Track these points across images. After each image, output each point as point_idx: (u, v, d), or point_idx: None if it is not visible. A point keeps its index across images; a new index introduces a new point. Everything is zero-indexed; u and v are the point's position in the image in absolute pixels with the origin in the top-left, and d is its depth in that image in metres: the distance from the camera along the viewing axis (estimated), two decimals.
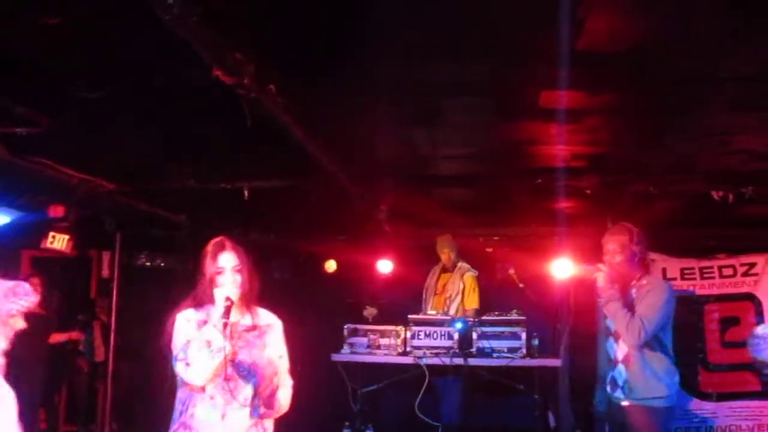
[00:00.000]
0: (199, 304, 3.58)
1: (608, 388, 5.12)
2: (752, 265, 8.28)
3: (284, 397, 3.61)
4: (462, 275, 8.43)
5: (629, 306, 4.87)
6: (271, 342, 3.65)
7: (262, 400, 3.46)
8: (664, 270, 8.63)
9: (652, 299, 4.85)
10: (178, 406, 3.51)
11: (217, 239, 3.62)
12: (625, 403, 4.91)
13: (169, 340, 3.53)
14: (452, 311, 8.21)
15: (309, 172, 6.04)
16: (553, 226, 8.26)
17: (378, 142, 5.96)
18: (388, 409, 8.16)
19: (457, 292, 8.37)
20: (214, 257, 3.55)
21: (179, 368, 3.40)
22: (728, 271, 8.42)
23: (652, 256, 8.61)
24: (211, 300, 3.50)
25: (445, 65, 4.18)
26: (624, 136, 5.58)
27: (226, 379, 3.40)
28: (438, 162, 6.48)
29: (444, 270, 8.59)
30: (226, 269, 3.51)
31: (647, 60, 3.99)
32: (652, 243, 8.67)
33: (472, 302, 8.37)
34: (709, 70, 4.14)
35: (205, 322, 3.45)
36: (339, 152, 5.70)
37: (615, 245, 5.08)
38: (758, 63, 3.97)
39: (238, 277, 3.52)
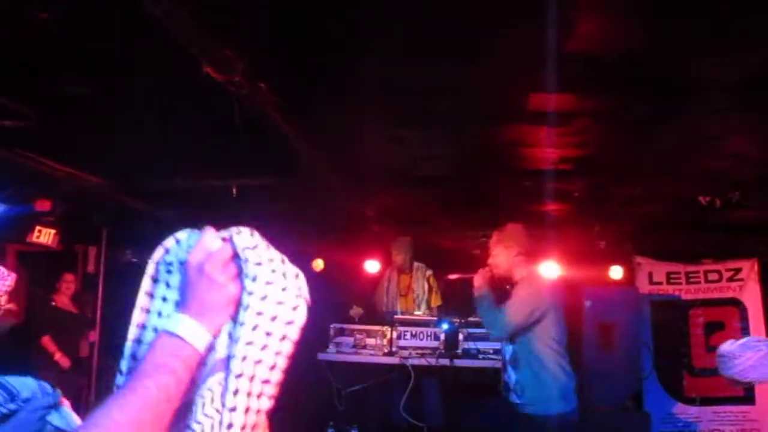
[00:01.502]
0: None
1: (504, 393, 5.09)
2: (738, 270, 8.35)
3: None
4: (424, 275, 8.49)
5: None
6: None
7: None
8: (650, 274, 8.70)
9: (518, 291, 4.91)
10: None
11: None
12: (520, 405, 4.86)
13: None
14: (421, 311, 8.24)
15: (297, 170, 6.04)
16: (541, 229, 8.28)
17: (367, 142, 5.95)
18: (373, 409, 8.14)
19: (423, 292, 8.44)
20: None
21: None
22: (714, 276, 8.50)
23: (638, 260, 8.69)
24: None
25: (434, 66, 4.18)
26: (612, 140, 5.59)
27: None
28: (426, 163, 6.48)
29: (400, 271, 8.64)
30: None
31: (636, 63, 4.00)
32: (639, 247, 8.77)
33: (437, 300, 8.51)
34: (698, 74, 4.16)
35: None
36: (328, 151, 5.70)
37: (495, 244, 5.20)
38: (746, 67, 3.99)
39: None
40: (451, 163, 6.47)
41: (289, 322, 1.42)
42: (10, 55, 4.02)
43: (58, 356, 7.63)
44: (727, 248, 8.47)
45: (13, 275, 6.02)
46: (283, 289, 1.40)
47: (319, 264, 9.75)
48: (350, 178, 6.58)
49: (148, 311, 1.44)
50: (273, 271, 1.40)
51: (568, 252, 8.56)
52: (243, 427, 1.34)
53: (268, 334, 1.37)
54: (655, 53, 3.89)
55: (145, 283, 1.46)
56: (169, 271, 1.44)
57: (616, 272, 8.83)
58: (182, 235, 1.46)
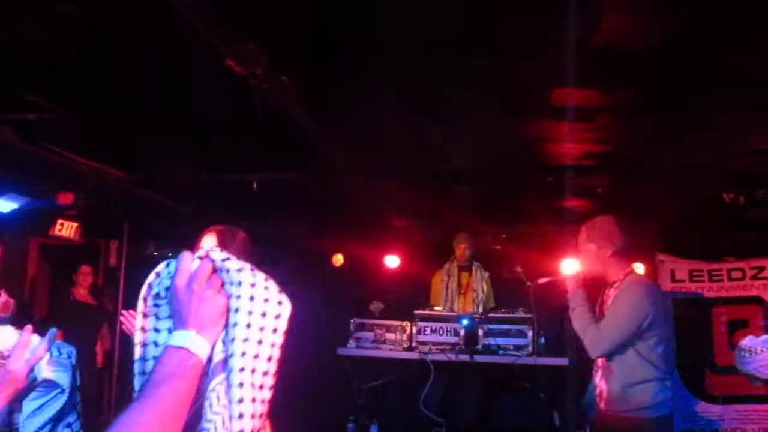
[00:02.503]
0: None
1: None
2: (761, 268, 8.25)
3: None
4: (482, 276, 8.40)
5: (600, 312, 4.45)
6: None
7: None
8: (672, 272, 8.61)
9: (617, 304, 4.27)
10: None
11: (210, 227, 3.68)
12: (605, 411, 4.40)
13: None
14: (480, 310, 8.17)
15: (318, 164, 6.03)
16: (562, 225, 8.23)
17: (388, 137, 5.94)
18: (392, 404, 8.14)
19: (483, 292, 8.35)
20: (198, 241, 3.61)
21: None
22: (737, 274, 8.40)
23: (661, 257, 8.61)
24: None
25: (457, 60, 4.16)
26: (636, 136, 5.55)
27: None
28: (448, 158, 6.46)
29: (461, 269, 8.53)
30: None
31: (662, 59, 3.96)
32: (661, 244, 8.69)
33: (490, 301, 8.41)
34: (723, 70, 4.11)
35: None
36: (348, 145, 5.69)
37: (584, 242, 4.54)
38: None
39: None
40: (473, 158, 6.45)
41: (278, 316, 1.56)
42: (34, 48, 4.04)
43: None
44: (751, 246, 8.37)
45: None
46: (266, 288, 1.55)
47: (339, 259, 9.77)
48: (371, 172, 6.57)
49: (145, 336, 1.62)
50: (252, 274, 1.54)
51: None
52: (252, 416, 1.48)
53: (261, 329, 1.53)
54: (679, 48, 3.85)
55: (138, 319, 1.63)
56: (156, 305, 1.60)
57: (639, 269, 8.76)
58: (160, 267, 1.62)
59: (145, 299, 1.61)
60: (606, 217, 4.50)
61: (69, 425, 2.25)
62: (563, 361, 7.30)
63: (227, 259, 1.54)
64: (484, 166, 6.69)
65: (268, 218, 8.68)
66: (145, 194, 7.47)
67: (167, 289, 1.57)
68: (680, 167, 6.35)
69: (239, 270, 1.53)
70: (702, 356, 8.16)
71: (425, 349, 7.54)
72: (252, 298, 1.53)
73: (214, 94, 4.55)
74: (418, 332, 7.68)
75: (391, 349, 7.70)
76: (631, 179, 6.71)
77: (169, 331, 1.55)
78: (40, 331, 2.17)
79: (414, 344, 7.66)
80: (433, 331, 7.69)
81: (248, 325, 1.51)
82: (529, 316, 7.62)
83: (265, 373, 1.54)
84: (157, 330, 1.60)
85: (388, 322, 7.90)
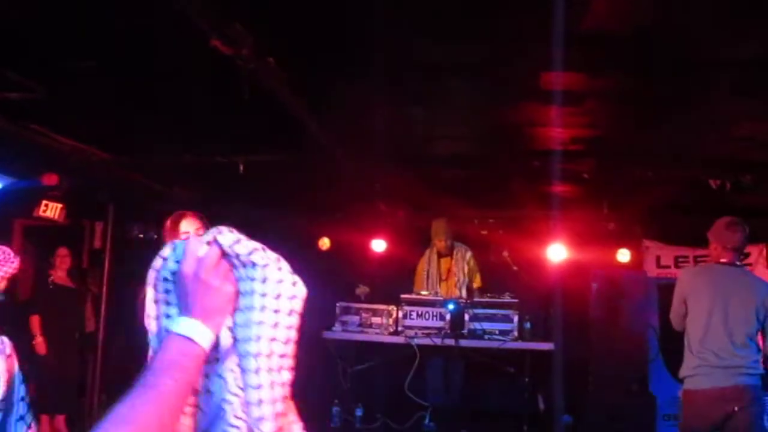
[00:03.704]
0: None
1: None
2: (746, 255, 8.29)
3: None
4: (463, 257, 8.37)
5: None
6: None
7: None
8: (658, 258, 8.66)
9: None
10: None
11: (176, 213, 3.67)
12: None
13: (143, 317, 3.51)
14: (463, 294, 8.16)
15: (305, 147, 6.01)
16: (549, 210, 8.24)
17: (376, 120, 5.91)
18: (378, 388, 8.16)
19: (464, 275, 8.32)
20: (176, 225, 3.58)
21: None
22: None
23: (646, 243, 8.66)
24: None
25: (445, 43, 4.14)
26: (623, 121, 5.54)
27: None
28: (435, 142, 6.44)
29: (441, 255, 8.51)
30: (190, 233, 3.53)
31: (650, 43, 3.95)
32: (647, 230, 8.72)
33: (478, 281, 8.36)
34: (712, 55, 4.11)
35: None
36: (336, 128, 5.66)
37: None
38: (761, 48, 3.93)
39: None
40: (460, 142, 6.43)
41: (292, 297, 1.51)
42: (18, 28, 3.98)
43: (38, 340, 7.57)
44: None
45: (18, 259, 6.03)
46: (279, 269, 1.50)
47: (325, 242, 9.73)
48: (358, 155, 6.54)
49: (159, 324, 1.55)
50: (265, 255, 1.49)
51: (577, 234, 8.52)
52: (273, 401, 1.45)
53: (276, 311, 1.48)
54: (668, 33, 3.84)
55: (149, 306, 1.56)
56: (166, 290, 1.54)
57: (624, 255, 8.79)
58: (167, 251, 1.54)
59: (154, 286, 1.55)
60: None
61: (21, 418, 2.21)
62: (548, 346, 7.34)
63: (237, 242, 1.49)
64: (471, 151, 6.67)
65: (254, 201, 8.65)
66: (130, 176, 7.42)
67: (173, 273, 1.51)
68: (666, 153, 6.36)
69: (250, 253, 1.48)
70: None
71: (411, 333, 7.56)
72: (264, 280, 1.49)
73: (200, 75, 4.51)
74: (404, 316, 7.70)
75: (376, 333, 7.72)
76: (617, 165, 6.71)
77: (180, 309, 1.51)
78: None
79: (400, 328, 7.67)
80: (419, 316, 7.71)
81: (262, 308, 1.48)
82: (514, 300, 7.64)
83: (283, 356, 1.50)
84: (168, 316, 1.54)
85: (374, 306, 7.91)
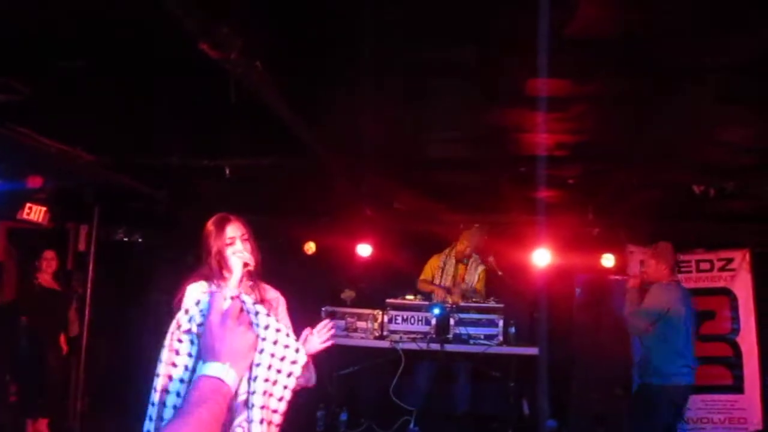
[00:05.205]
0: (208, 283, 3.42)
1: None
2: (729, 260, 8.36)
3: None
4: (477, 269, 8.41)
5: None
6: (281, 316, 3.56)
7: None
8: (641, 262, 8.69)
9: (646, 299, 6.03)
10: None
11: (218, 215, 3.55)
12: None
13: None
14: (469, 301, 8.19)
15: (292, 151, 6.00)
16: (534, 215, 8.27)
17: (362, 124, 5.91)
18: (363, 392, 8.17)
19: (473, 282, 8.36)
20: (221, 230, 3.46)
21: None
22: (705, 266, 8.51)
23: (631, 248, 8.69)
24: (220, 277, 3.40)
25: (432, 48, 4.15)
26: (608, 126, 5.57)
27: None
28: (421, 146, 6.45)
29: (458, 260, 8.54)
30: (236, 239, 3.45)
31: (634, 48, 3.98)
32: (631, 235, 8.76)
33: (479, 285, 8.42)
34: (697, 61, 4.14)
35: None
36: (323, 132, 5.66)
37: (650, 258, 6.31)
38: (745, 54, 3.97)
39: (248, 246, 3.46)
40: (446, 147, 6.44)
41: (294, 362, 1.79)
42: (2, 28, 3.96)
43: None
44: (720, 238, 8.47)
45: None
46: (287, 335, 1.78)
47: (311, 247, 9.72)
48: (344, 160, 6.54)
49: (176, 371, 1.77)
50: (276, 320, 1.77)
51: (561, 239, 8.56)
52: None
53: (278, 371, 1.75)
54: (653, 38, 3.87)
55: (165, 354, 1.79)
56: (191, 341, 1.78)
57: (609, 260, 8.83)
58: (190, 304, 1.80)
59: (179, 338, 1.77)
60: (667, 244, 6.33)
61: None
62: (533, 351, 7.36)
63: (256, 303, 1.74)
64: (456, 155, 6.68)
65: (240, 205, 8.64)
66: (115, 178, 7.38)
67: (200, 325, 1.72)
68: (651, 158, 6.39)
69: (267, 314, 1.74)
70: None
71: (396, 337, 7.56)
72: (275, 342, 1.73)
73: (188, 78, 4.50)
74: (390, 321, 7.71)
75: (362, 338, 7.72)
76: (602, 170, 6.74)
77: (207, 354, 1.68)
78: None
79: (385, 333, 7.68)
80: (404, 320, 7.72)
81: (269, 367, 1.72)
82: (500, 305, 7.66)
83: (275, 411, 1.77)
84: (186, 367, 1.77)
85: (360, 311, 7.91)
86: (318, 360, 7.60)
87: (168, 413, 1.69)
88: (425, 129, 5.90)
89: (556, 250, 8.50)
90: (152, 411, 1.74)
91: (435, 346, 7.39)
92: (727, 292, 8.32)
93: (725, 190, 6.76)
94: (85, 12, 3.70)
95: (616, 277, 7.60)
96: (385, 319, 7.73)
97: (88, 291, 8.01)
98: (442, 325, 7.63)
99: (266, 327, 1.72)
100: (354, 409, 7.85)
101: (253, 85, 4.17)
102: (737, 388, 8.04)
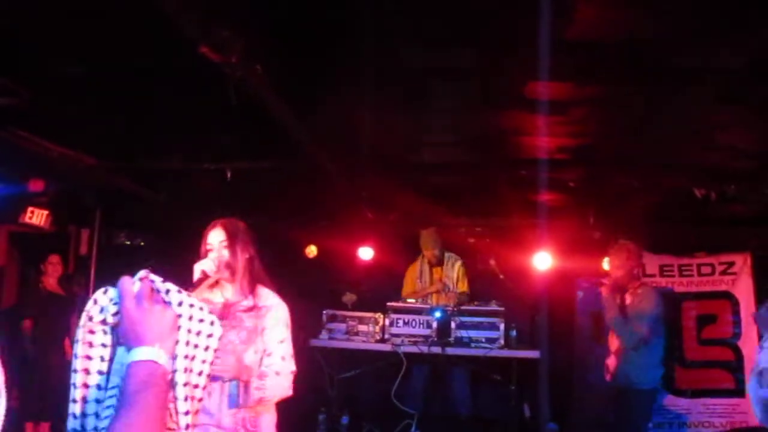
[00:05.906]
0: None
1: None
2: (731, 264, 8.35)
3: (271, 386, 3.40)
4: (453, 265, 8.39)
5: (623, 309, 5.91)
6: (269, 324, 3.45)
7: (241, 388, 3.28)
8: (643, 266, 8.68)
9: (641, 305, 5.87)
10: None
11: (212, 221, 3.55)
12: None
13: None
14: (452, 303, 8.17)
15: (293, 154, 6.00)
16: (535, 219, 8.27)
17: (362, 127, 5.92)
18: (364, 395, 8.15)
19: (453, 284, 8.34)
20: (204, 236, 3.49)
21: None
22: (707, 270, 8.50)
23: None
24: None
25: (432, 51, 4.16)
26: (609, 129, 5.57)
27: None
28: (422, 149, 6.46)
29: (432, 264, 8.52)
30: (215, 245, 3.45)
31: (635, 51, 3.98)
32: (633, 238, 8.76)
33: (463, 286, 8.36)
34: (698, 64, 4.14)
35: None
36: (324, 135, 5.66)
37: (617, 262, 6.09)
38: (746, 57, 3.97)
39: (225, 253, 3.44)
40: (447, 150, 6.44)
41: (210, 335, 1.73)
42: (3, 32, 3.97)
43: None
44: (721, 242, 8.46)
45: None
46: (200, 309, 1.71)
47: (312, 250, 9.73)
48: (345, 163, 6.55)
49: (91, 364, 1.68)
50: (187, 295, 1.70)
51: (562, 242, 8.55)
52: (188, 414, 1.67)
53: (196, 346, 1.70)
54: (653, 41, 3.87)
55: (79, 347, 1.69)
56: (104, 332, 1.69)
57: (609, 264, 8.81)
58: (99, 295, 1.71)
59: (91, 329, 1.68)
60: (634, 245, 6.22)
61: None
62: (534, 354, 7.35)
63: (164, 281, 1.68)
64: (457, 159, 6.69)
65: (241, 208, 8.64)
66: (117, 182, 7.39)
67: (115, 314, 1.65)
68: (653, 162, 6.39)
69: (179, 291, 1.67)
70: (671, 350, 8.24)
71: (397, 341, 7.55)
72: (191, 318, 1.68)
73: (188, 81, 4.51)
74: (391, 324, 7.70)
75: (363, 341, 7.71)
76: (603, 173, 6.74)
77: (129, 342, 1.62)
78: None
79: (386, 336, 7.67)
80: (405, 323, 7.71)
81: (187, 343, 1.66)
82: (501, 308, 7.65)
83: (195, 386, 1.70)
84: (102, 357, 1.68)
85: (361, 314, 7.90)
86: (319, 363, 7.63)
87: (91, 408, 1.62)
88: (425, 133, 5.91)
89: (557, 254, 8.50)
90: (74, 421, 1.65)
91: (436, 350, 7.38)
92: (728, 296, 8.31)
93: (727, 193, 6.75)
94: (86, 14, 3.71)
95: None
96: (387, 322, 7.72)
97: (90, 294, 8.01)
98: (444, 329, 7.61)
99: (180, 303, 1.65)
100: (355, 413, 7.84)
101: (254, 88, 4.18)
102: (739, 392, 8.01)
